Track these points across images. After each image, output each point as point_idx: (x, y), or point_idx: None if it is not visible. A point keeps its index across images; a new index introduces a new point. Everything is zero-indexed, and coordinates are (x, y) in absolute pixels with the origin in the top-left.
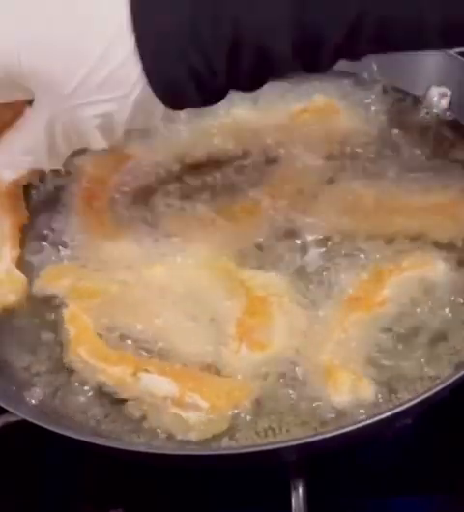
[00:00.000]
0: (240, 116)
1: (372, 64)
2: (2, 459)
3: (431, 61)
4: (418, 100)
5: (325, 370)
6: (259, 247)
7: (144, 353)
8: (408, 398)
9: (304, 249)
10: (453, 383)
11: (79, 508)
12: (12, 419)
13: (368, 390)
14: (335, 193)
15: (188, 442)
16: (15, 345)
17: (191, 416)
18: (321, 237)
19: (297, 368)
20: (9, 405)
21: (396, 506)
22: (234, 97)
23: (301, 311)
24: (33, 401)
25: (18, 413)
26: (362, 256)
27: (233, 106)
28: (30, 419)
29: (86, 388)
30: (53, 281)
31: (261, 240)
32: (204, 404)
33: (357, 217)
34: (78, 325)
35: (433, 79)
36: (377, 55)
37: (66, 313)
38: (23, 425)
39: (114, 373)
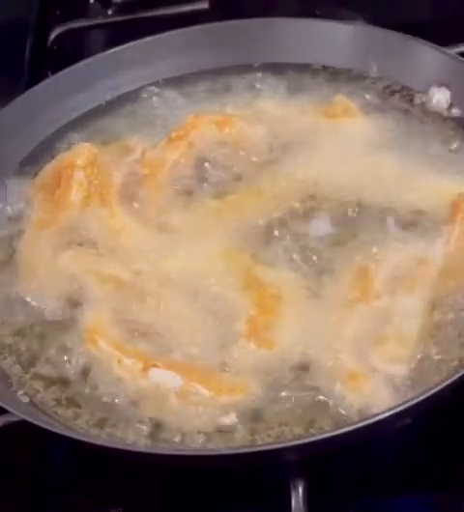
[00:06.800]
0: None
1: (373, 64)
2: (2, 459)
3: (431, 61)
4: (418, 100)
5: (333, 370)
6: (271, 241)
7: (150, 344)
8: (408, 398)
9: (314, 242)
10: (453, 383)
11: (79, 508)
12: (12, 419)
13: (378, 390)
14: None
15: (189, 441)
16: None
17: (193, 413)
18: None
19: (304, 368)
20: (9, 405)
21: (396, 506)
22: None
23: (311, 310)
24: (32, 401)
25: (18, 414)
26: (367, 254)
27: (256, 98)
28: (29, 419)
29: (87, 388)
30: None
31: (272, 232)
32: (206, 398)
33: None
34: (98, 313)
35: (433, 79)
36: (377, 55)
37: (85, 299)
38: (23, 425)
39: (126, 365)
